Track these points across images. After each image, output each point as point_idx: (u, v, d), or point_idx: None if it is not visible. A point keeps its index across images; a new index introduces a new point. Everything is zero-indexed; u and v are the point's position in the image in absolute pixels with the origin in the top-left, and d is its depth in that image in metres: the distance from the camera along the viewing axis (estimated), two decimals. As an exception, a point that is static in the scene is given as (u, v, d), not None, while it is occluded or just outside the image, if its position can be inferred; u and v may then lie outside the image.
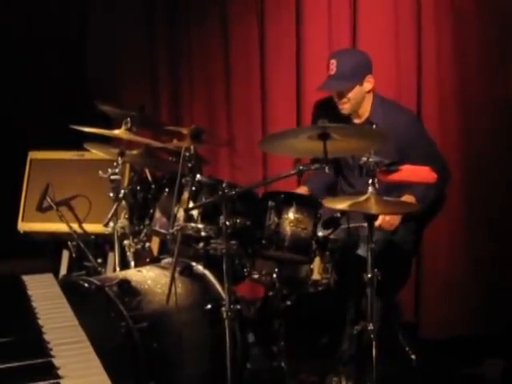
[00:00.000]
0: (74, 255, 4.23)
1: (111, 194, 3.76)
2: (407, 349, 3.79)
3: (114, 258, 3.83)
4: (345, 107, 3.83)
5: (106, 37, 5.26)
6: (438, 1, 4.33)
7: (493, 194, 4.36)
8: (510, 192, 4.33)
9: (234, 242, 3.04)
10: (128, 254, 3.71)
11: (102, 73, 5.29)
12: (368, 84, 3.80)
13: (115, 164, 3.77)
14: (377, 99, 3.87)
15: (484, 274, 4.37)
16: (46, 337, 1.91)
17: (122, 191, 3.72)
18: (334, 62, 3.79)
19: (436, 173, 3.25)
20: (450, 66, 4.37)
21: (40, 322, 2.04)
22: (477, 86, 4.35)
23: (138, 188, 3.74)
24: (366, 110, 3.86)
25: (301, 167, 2.95)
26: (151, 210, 3.60)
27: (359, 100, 3.82)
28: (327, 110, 3.91)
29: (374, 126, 3.34)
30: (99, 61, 5.30)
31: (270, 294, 3.40)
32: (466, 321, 4.38)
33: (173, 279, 2.97)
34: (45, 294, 2.35)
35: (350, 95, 3.78)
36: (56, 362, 1.74)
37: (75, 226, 4.17)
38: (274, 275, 3.31)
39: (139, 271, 3.34)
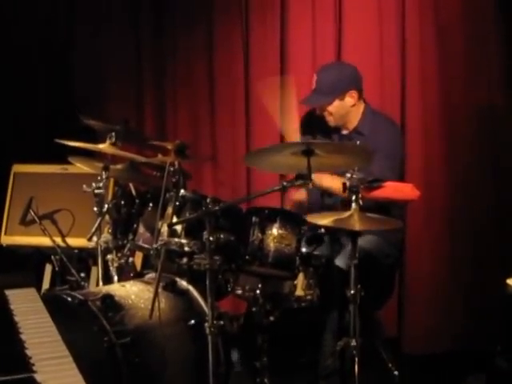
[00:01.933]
0: (57, 269, 4.19)
1: (95, 209, 3.76)
2: (390, 364, 3.79)
3: (97, 272, 3.81)
4: (329, 119, 3.88)
5: (92, 51, 5.26)
6: (422, 13, 4.38)
7: (476, 207, 4.40)
8: (494, 205, 4.37)
9: (217, 257, 3.03)
10: (111, 268, 3.70)
11: (87, 87, 5.29)
12: (350, 99, 3.83)
13: (99, 178, 3.76)
14: (368, 111, 3.90)
15: (467, 290, 4.39)
16: (29, 352, 1.90)
17: (106, 205, 3.72)
18: (315, 77, 3.86)
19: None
20: (433, 79, 4.41)
21: (22, 336, 2.04)
22: (461, 99, 4.40)
23: (122, 202, 3.73)
24: (353, 122, 3.88)
25: (284, 183, 2.96)
26: (135, 225, 3.59)
27: (342, 114, 3.85)
28: (316, 121, 3.94)
29: (358, 142, 3.35)
30: (84, 75, 5.30)
31: (254, 309, 3.39)
32: (449, 336, 4.40)
33: (156, 294, 2.97)
34: (27, 309, 2.34)
35: (331, 109, 3.83)
36: (38, 377, 1.73)
37: (58, 239, 4.14)
38: (258, 291, 3.31)
39: (122, 286, 3.33)
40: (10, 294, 2.50)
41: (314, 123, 3.97)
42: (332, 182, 3.59)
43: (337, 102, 3.82)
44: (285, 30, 4.70)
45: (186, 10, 5.01)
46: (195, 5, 4.98)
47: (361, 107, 3.89)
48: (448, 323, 4.42)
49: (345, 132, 3.93)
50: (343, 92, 3.81)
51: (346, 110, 3.85)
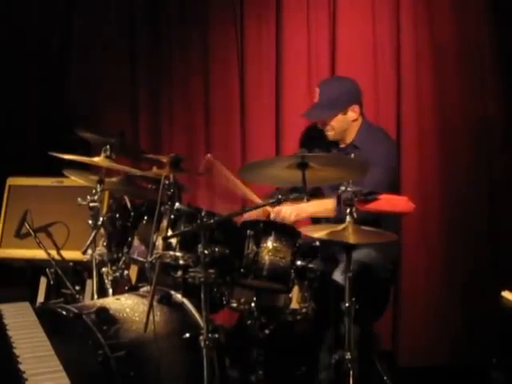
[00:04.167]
0: (51, 282, 4.19)
1: (90, 222, 3.76)
2: (385, 377, 3.78)
3: (92, 285, 3.81)
4: (329, 134, 3.87)
5: (87, 64, 5.27)
6: (417, 35, 4.40)
7: (472, 220, 4.41)
8: (489, 218, 4.39)
9: (212, 270, 3.03)
10: (106, 281, 3.70)
11: (82, 99, 5.29)
12: (352, 113, 3.83)
13: (94, 191, 3.76)
14: (365, 125, 3.90)
15: (463, 302, 4.39)
16: (22, 366, 1.90)
17: (101, 218, 3.72)
18: (317, 90, 3.86)
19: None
20: (429, 100, 4.43)
21: (16, 351, 2.03)
22: (456, 119, 4.41)
23: (117, 215, 3.73)
24: (352, 135, 3.88)
25: (279, 196, 2.96)
26: (130, 238, 3.59)
27: (344, 128, 3.85)
28: (315, 135, 3.94)
29: (352, 155, 3.36)
30: (80, 87, 5.30)
31: (249, 322, 3.39)
32: (445, 349, 4.40)
33: (151, 307, 2.96)
34: (21, 323, 2.34)
35: (333, 123, 3.82)
36: (31, 392, 1.73)
37: (53, 252, 4.14)
38: (253, 304, 3.31)
39: (117, 299, 3.32)
40: (3, 308, 2.50)
41: (313, 137, 3.98)
42: (318, 206, 3.60)
43: (340, 117, 3.82)
44: (280, 43, 4.72)
45: (182, 22, 5.02)
46: (191, 18, 4.99)
47: (360, 121, 3.89)
48: (444, 336, 4.42)
49: (342, 146, 3.93)
50: (346, 106, 3.82)
51: (348, 124, 3.85)
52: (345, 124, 3.84)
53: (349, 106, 3.82)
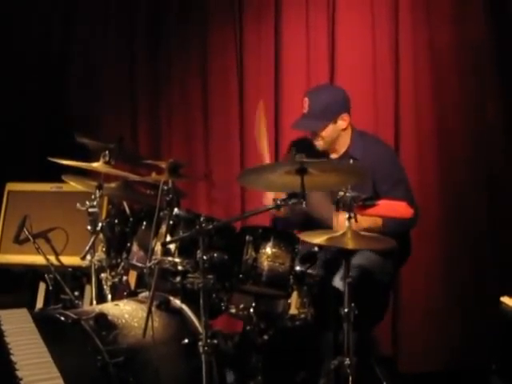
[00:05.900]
0: (50, 288, 4.18)
1: (89, 227, 3.76)
2: (385, 383, 3.77)
3: (90, 291, 3.81)
4: (319, 144, 3.84)
5: (87, 69, 5.27)
6: (416, 37, 4.40)
7: (471, 225, 4.41)
8: (489, 222, 4.39)
9: (211, 276, 3.03)
10: (105, 287, 3.70)
11: (81, 105, 5.29)
12: (342, 122, 3.80)
13: (93, 197, 3.77)
14: (356, 134, 3.86)
15: (463, 307, 4.39)
16: (19, 373, 1.89)
17: (100, 224, 3.72)
18: (306, 100, 3.81)
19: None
20: (428, 101, 4.43)
21: (13, 357, 2.03)
22: (455, 120, 4.42)
23: (116, 221, 3.74)
24: (343, 146, 3.86)
25: (278, 202, 2.96)
26: (129, 244, 3.59)
27: (333, 137, 3.82)
28: (306, 146, 3.92)
29: (351, 161, 3.35)
30: (79, 93, 5.30)
31: (248, 328, 3.39)
32: (445, 354, 4.39)
33: (150, 313, 2.96)
34: (19, 330, 2.34)
35: (323, 134, 3.79)
36: (28, 399, 1.72)
37: (52, 258, 4.13)
38: (252, 310, 3.31)
39: (116, 305, 3.32)
40: (1, 314, 2.50)
41: (304, 148, 3.95)
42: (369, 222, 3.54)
43: (330, 126, 3.79)
44: (279, 45, 4.73)
45: (181, 28, 5.02)
46: (190, 24, 4.99)
47: (349, 130, 3.87)
48: (443, 341, 4.41)
49: (334, 156, 3.90)
50: (336, 116, 3.80)
51: (337, 133, 3.82)
52: (334, 134, 3.82)
53: (338, 116, 3.80)
